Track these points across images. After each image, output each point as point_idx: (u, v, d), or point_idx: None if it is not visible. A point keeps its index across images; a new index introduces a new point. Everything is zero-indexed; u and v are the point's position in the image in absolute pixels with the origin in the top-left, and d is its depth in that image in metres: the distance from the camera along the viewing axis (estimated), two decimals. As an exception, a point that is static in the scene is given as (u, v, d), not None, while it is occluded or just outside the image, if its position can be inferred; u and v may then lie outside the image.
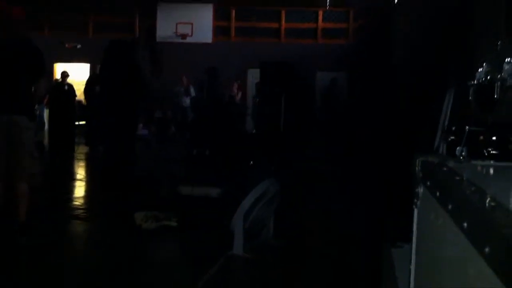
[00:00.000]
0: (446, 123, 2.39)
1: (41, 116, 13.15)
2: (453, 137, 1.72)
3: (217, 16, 17.13)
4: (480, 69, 1.80)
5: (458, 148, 1.56)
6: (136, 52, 7.69)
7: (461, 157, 1.48)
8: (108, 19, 17.06)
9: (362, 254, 4.56)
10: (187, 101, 15.05)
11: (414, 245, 1.44)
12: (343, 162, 9.20)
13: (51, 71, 16.75)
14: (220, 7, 17.00)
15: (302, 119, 11.16)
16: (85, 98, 12.44)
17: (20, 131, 4.53)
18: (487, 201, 0.81)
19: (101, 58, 7.76)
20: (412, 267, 1.47)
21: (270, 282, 4.12)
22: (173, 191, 6.38)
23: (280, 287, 4.03)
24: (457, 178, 1.02)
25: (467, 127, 1.56)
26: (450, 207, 0.92)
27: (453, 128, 1.79)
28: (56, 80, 13.78)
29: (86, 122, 12.54)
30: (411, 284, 1.51)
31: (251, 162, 9.17)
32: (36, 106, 10.88)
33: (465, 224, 0.81)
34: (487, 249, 0.71)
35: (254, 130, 12.83)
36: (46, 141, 11.80)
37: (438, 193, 1.07)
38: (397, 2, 14.65)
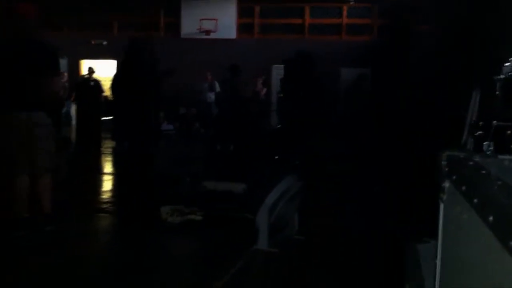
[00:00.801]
0: (474, 118, 2.38)
1: (68, 112, 13.34)
2: (480, 132, 1.72)
3: (241, 13, 17.16)
4: (506, 64, 1.79)
5: (485, 143, 1.56)
6: (154, 48, 7.74)
7: (488, 152, 1.47)
8: (132, 17, 17.23)
9: (387, 250, 4.54)
10: (211, 97, 15.12)
11: (440, 240, 1.44)
12: (368, 158, 9.15)
13: (78, 68, 17.00)
14: (244, 4, 17.03)
15: (326, 115, 11.12)
16: (112, 93, 12.54)
17: (36, 127, 4.64)
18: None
19: (122, 56, 7.84)
20: (438, 262, 1.47)
21: (294, 276, 4.13)
22: (198, 186, 6.43)
23: (304, 282, 4.04)
24: (483, 172, 1.02)
25: (494, 122, 1.56)
26: (475, 201, 0.93)
27: (480, 123, 1.78)
28: (83, 76, 13.96)
29: (112, 118, 12.65)
30: (436, 280, 1.52)
31: (276, 157, 9.18)
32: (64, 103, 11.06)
33: (491, 218, 0.81)
34: (511, 243, 0.71)
35: (279, 126, 12.82)
36: (73, 136, 11.97)
37: (463, 188, 1.08)
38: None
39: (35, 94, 4.62)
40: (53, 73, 4.80)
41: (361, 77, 14.40)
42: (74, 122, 11.96)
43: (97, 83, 11.90)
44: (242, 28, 17.17)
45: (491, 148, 1.50)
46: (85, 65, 15.93)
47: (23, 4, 4.78)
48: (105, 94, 12.68)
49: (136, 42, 7.50)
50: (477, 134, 1.76)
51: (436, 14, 10.87)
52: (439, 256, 1.44)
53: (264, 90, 15.38)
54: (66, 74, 12.81)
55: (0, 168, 4.99)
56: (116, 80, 11.83)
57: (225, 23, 16.79)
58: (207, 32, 16.70)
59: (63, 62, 11.98)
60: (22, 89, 4.59)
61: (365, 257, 4.59)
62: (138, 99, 7.28)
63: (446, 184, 1.35)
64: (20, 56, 4.63)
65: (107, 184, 8.05)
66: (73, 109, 12.12)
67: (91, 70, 12.37)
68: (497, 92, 1.80)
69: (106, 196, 6.83)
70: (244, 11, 17.17)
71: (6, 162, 4.75)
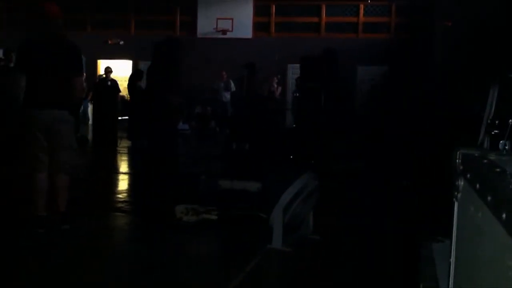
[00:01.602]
0: (490, 117, 2.34)
1: (85, 111, 13.45)
2: (496, 131, 1.69)
3: (257, 11, 17.16)
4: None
5: (501, 141, 1.53)
6: (181, 50, 7.76)
7: (504, 151, 1.45)
8: (149, 16, 17.33)
9: (402, 249, 4.51)
10: (227, 96, 15.15)
11: (454, 239, 1.42)
12: (382, 157, 9.09)
13: (94, 67, 17.15)
14: (260, 3, 17.04)
15: (342, 114, 11.07)
16: (128, 93, 12.67)
17: (60, 125, 4.69)
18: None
19: (149, 54, 7.86)
20: (452, 261, 1.45)
21: (308, 275, 4.12)
22: (213, 185, 6.43)
23: (318, 281, 4.02)
24: (497, 170, 1.00)
25: (510, 120, 1.53)
26: (489, 199, 0.91)
27: (497, 122, 1.75)
28: (100, 76, 14.07)
29: (128, 117, 12.77)
30: (450, 279, 1.50)
31: (291, 156, 9.17)
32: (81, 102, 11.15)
33: (504, 216, 0.80)
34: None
35: (294, 125, 12.81)
36: (90, 135, 12.07)
37: (478, 185, 1.06)
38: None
39: (60, 93, 4.67)
40: (77, 73, 4.86)
41: (379, 75, 14.33)
42: (90, 121, 12.05)
43: (114, 83, 11.98)
44: (258, 26, 17.18)
45: (507, 147, 1.48)
46: (102, 65, 16.06)
47: (49, 4, 4.84)
48: (121, 94, 12.78)
49: (165, 44, 7.53)
50: (493, 132, 1.73)
51: (453, 12, 10.77)
52: (453, 255, 1.42)
53: (279, 89, 15.38)
54: (84, 74, 12.93)
55: (20, 165, 5.05)
56: (132, 79, 11.89)
57: (241, 22, 16.81)
58: (223, 31, 16.73)
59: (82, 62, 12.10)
60: (47, 88, 4.64)
61: (380, 256, 4.57)
62: (159, 99, 7.30)
63: (460, 182, 1.33)
64: (46, 55, 4.68)
65: (123, 183, 8.09)
66: (90, 108, 12.21)
67: (108, 70, 12.45)
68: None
69: (121, 195, 6.87)
70: (260, 9, 17.18)
71: (27, 160, 4.82)
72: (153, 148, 7.43)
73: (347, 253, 4.69)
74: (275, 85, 15.20)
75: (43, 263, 4.11)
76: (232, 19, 16.79)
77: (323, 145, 9.33)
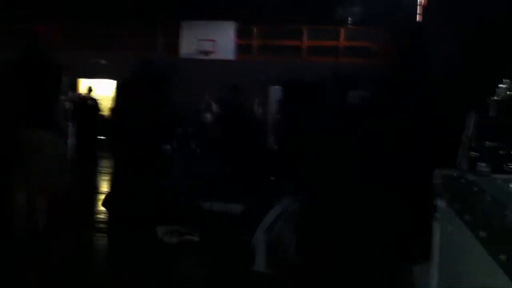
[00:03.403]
0: (468, 139, 2.39)
1: (65, 130, 13.31)
2: (474, 153, 1.73)
3: (239, 33, 17.29)
4: (501, 85, 1.81)
5: (478, 163, 1.57)
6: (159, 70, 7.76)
7: (482, 171, 1.49)
8: (132, 36, 17.33)
9: (382, 272, 4.53)
10: (208, 117, 15.16)
11: (434, 259, 1.44)
12: (363, 178, 9.13)
13: (76, 86, 17.05)
14: (243, 25, 17.16)
15: (323, 136, 11.13)
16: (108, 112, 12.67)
17: (43, 144, 4.66)
18: (504, 211, 0.83)
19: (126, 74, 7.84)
20: (433, 280, 1.47)
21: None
22: (195, 207, 6.40)
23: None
24: (475, 189, 1.03)
25: (487, 142, 1.57)
26: (467, 217, 0.93)
27: (473, 144, 1.79)
28: (80, 95, 14.00)
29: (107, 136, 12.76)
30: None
31: (272, 178, 9.16)
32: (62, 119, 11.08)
33: (482, 234, 0.82)
34: (502, 257, 0.72)
35: (276, 147, 12.83)
36: (69, 153, 11.95)
37: (456, 205, 1.09)
38: (422, 21, 14.65)
39: (41, 112, 4.65)
40: (59, 91, 4.84)
41: (360, 99, 14.45)
42: (70, 140, 11.95)
43: (95, 102, 11.94)
44: (241, 48, 17.29)
45: (485, 168, 1.51)
46: (83, 84, 15.98)
47: (38, 26, 4.87)
48: (102, 113, 12.72)
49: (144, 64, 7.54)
50: (471, 154, 1.77)
51: (437, 36, 10.95)
52: (433, 275, 1.44)
53: (261, 111, 15.44)
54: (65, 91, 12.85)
55: (1, 184, 5.00)
56: (114, 98, 11.85)
57: (224, 44, 16.91)
58: (206, 53, 16.80)
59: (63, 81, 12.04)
60: (28, 107, 4.62)
61: (362, 278, 4.57)
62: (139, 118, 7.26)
63: (440, 203, 1.36)
64: (27, 74, 4.67)
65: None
66: (70, 127, 12.12)
67: (89, 89, 12.41)
68: (491, 114, 1.82)
69: (101, 215, 6.80)
70: (243, 32, 17.31)
71: (9, 178, 4.76)
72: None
73: (329, 275, 4.68)
74: (257, 107, 15.26)
75: (22, 282, 4.05)
76: (215, 40, 16.88)
77: (305, 167, 9.36)
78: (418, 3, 14.92)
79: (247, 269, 4.32)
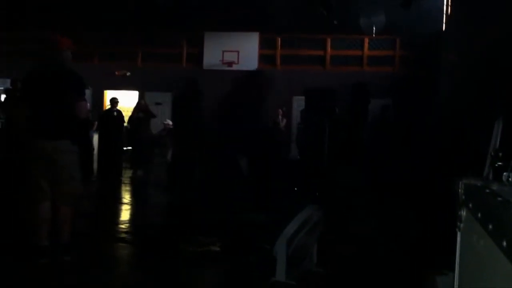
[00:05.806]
0: (495, 149, 2.34)
1: (91, 141, 13.49)
2: (500, 163, 1.69)
3: (262, 44, 17.34)
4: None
5: (504, 173, 1.53)
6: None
7: (507, 181, 1.45)
8: (155, 49, 17.54)
9: (406, 282, 4.46)
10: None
11: (457, 269, 1.41)
12: (387, 189, 9.06)
13: (101, 98, 17.30)
14: (266, 36, 17.22)
15: (346, 146, 11.08)
16: (128, 123, 12.90)
17: (62, 155, 4.69)
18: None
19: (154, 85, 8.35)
20: (456, 292, 1.43)
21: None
22: (217, 217, 6.41)
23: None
24: (499, 199, 1.00)
25: (513, 151, 1.53)
26: (490, 227, 0.91)
27: (500, 154, 1.75)
28: (106, 106, 14.15)
29: (131, 148, 12.95)
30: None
31: (295, 188, 9.13)
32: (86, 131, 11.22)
33: (505, 244, 0.79)
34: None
35: (299, 157, 12.81)
36: (95, 165, 12.08)
37: (479, 215, 1.06)
38: (444, 30, 14.53)
39: (62, 123, 4.69)
40: (79, 98, 4.84)
41: (384, 107, 14.38)
42: (95, 151, 12.09)
43: (120, 114, 12.05)
44: (264, 59, 17.33)
45: (511, 178, 1.47)
46: (108, 95, 16.18)
47: (60, 36, 4.92)
48: (126, 124, 12.87)
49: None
50: (497, 164, 1.73)
51: (458, 45, 10.85)
52: (456, 286, 1.40)
53: (284, 121, 15.45)
54: (88, 104, 13.06)
55: (24, 195, 5.05)
56: (135, 110, 12.19)
57: (247, 54, 16.98)
58: (229, 63, 16.89)
59: (88, 92, 12.22)
60: (49, 118, 4.66)
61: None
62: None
63: (463, 212, 1.33)
64: (49, 85, 4.72)
65: (126, 213, 8.07)
66: (95, 138, 12.26)
67: (114, 101, 12.54)
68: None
69: (124, 225, 6.84)
70: (265, 42, 17.35)
71: (31, 189, 4.80)
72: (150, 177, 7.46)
73: (351, 286, 4.63)
74: (280, 117, 15.27)
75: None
76: (238, 51, 16.96)
77: (328, 177, 9.31)
78: (443, 13, 14.83)
79: (268, 279, 4.29)
